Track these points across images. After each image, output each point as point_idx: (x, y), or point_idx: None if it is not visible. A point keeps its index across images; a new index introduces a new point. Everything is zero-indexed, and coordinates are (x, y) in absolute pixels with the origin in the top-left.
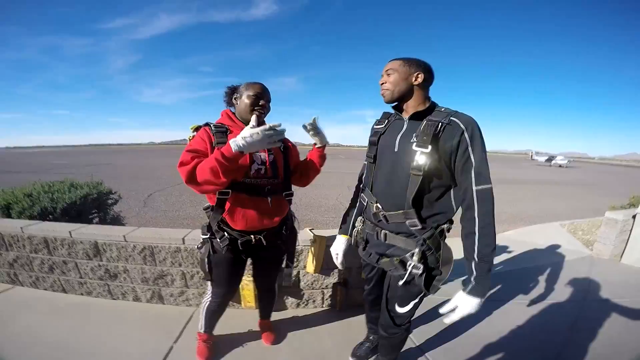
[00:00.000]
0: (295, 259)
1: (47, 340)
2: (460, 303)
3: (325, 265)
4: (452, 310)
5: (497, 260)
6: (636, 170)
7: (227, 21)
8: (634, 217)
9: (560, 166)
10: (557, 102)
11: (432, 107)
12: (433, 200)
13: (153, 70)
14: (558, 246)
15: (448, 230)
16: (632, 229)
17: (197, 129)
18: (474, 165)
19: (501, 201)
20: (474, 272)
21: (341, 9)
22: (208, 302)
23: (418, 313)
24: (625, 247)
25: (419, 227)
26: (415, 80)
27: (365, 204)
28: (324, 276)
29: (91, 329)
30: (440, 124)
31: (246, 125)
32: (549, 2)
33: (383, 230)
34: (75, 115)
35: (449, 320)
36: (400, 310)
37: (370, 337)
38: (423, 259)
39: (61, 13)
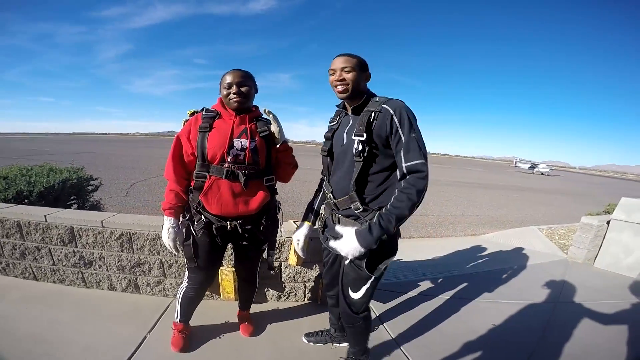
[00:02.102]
0: (277, 250)
1: (16, 330)
2: (345, 235)
3: (308, 258)
4: (337, 238)
5: (476, 261)
6: (613, 180)
7: (224, 14)
8: (608, 222)
9: (542, 174)
10: (542, 111)
11: (368, 98)
12: (376, 185)
13: (145, 60)
14: (535, 249)
15: None
16: (605, 234)
17: (193, 113)
18: (403, 144)
19: (484, 205)
20: (373, 219)
21: (340, 9)
22: (184, 289)
23: (396, 309)
24: (598, 252)
25: (361, 209)
26: (367, 79)
27: (325, 194)
28: (306, 269)
29: (63, 318)
30: (373, 112)
31: (235, 112)
32: (535, 7)
33: (337, 215)
34: (62, 103)
35: (330, 243)
36: (353, 295)
37: (330, 329)
38: None
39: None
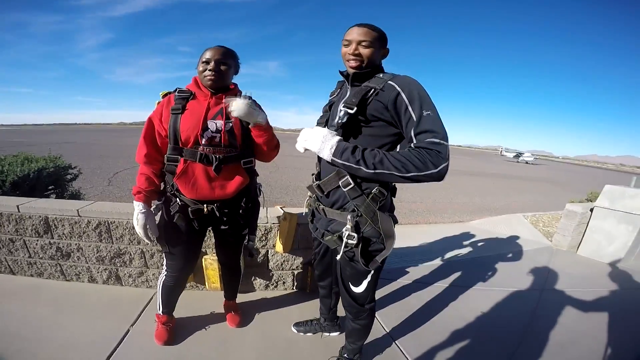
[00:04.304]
0: (263, 237)
1: None
2: (328, 133)
3: (295, 245)
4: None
5: (463, 248)
6: (595, 170)
7: (210, 0)
8: (591, 210)
9: (527, 163)
10: (528, 102)
11: (373, 73)
12: None
13: (128, 49)
14: (520, 237)
15: (381, 195)
16: (589, 221)
17: (165, 95)
18: (414, 123)
19: (471, 192)
20: (360, 148)
21: None
22: (164, 278)
23: (386, 298)
24: (581, 239)
25: (352, 185)
26: (384, 56)
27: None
28: (294, 256)
29: (42, 313)
30: (373, 89)
31: (211, 92)
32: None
33: (321, 205)
34: (40, 93)
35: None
36: (356, 289)
37: (320, 318)
38: (357, 229)
39: None
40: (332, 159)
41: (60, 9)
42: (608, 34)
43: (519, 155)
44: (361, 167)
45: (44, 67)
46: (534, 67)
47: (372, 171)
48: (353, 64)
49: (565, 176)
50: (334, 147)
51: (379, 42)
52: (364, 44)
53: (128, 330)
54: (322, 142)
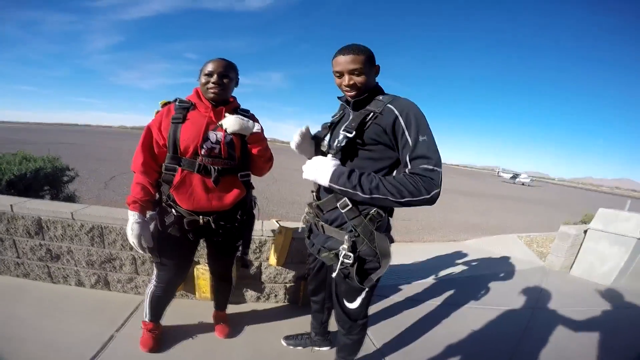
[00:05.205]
0: (257, 249)
1: None
2: (324, 160)
3: (289, 258)
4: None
5: (457, 266)
6: (590, 192)
7: (220, 10)
8: (585, 232)
9: (523, 184)
10: (526, 123)
11: (373, 95)
12: None
13: (135, 52)
14: (514, 256)
15: (379, 217)
16: (582, 243)
17: (165, 104)
18: (410, 148)
19: (467, 212)
20: (357, 173)
21: (335, 10)
22: (153, 288)
23: (379, 314)
24: (574, 260)
25: (350, 206)
26: (377, 74)
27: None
28: (287, 270)
29: (23, 314)
30: (372, 113)
31: (211, 104)
32: (522, 13)
33: (320, 222)
34: (43, 92)
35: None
36: (349, 305)
37: (310, 333)
38: (354, 248)
39: None
40: (329, 185)
41: (75, 9)
42: (609, 54)
43: (515, 176)
44: (358, 192)
45: (50, 66)
46: (533, 88)
47: (369, 196)
48: (351, 93)
49: (560, 198)
50: (330, 173)
51: (368, 64)
52: (355, 72)
53: (113, 336)
54: (316, 170)
